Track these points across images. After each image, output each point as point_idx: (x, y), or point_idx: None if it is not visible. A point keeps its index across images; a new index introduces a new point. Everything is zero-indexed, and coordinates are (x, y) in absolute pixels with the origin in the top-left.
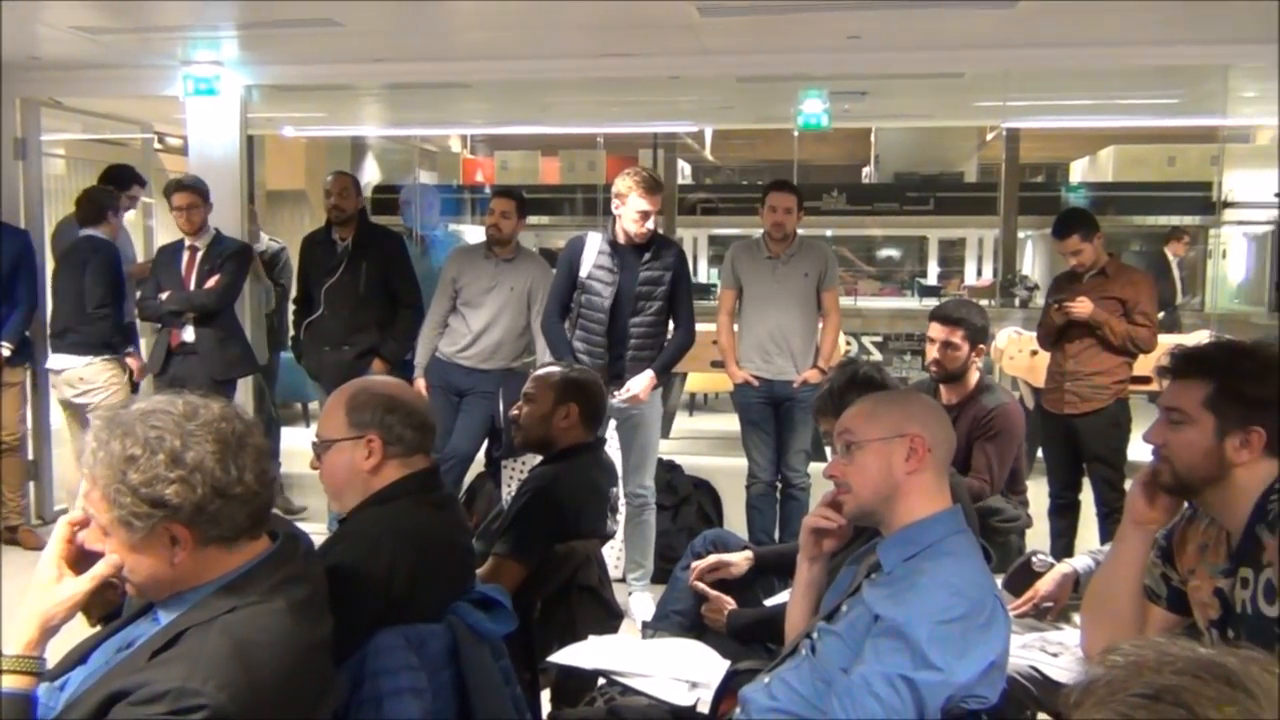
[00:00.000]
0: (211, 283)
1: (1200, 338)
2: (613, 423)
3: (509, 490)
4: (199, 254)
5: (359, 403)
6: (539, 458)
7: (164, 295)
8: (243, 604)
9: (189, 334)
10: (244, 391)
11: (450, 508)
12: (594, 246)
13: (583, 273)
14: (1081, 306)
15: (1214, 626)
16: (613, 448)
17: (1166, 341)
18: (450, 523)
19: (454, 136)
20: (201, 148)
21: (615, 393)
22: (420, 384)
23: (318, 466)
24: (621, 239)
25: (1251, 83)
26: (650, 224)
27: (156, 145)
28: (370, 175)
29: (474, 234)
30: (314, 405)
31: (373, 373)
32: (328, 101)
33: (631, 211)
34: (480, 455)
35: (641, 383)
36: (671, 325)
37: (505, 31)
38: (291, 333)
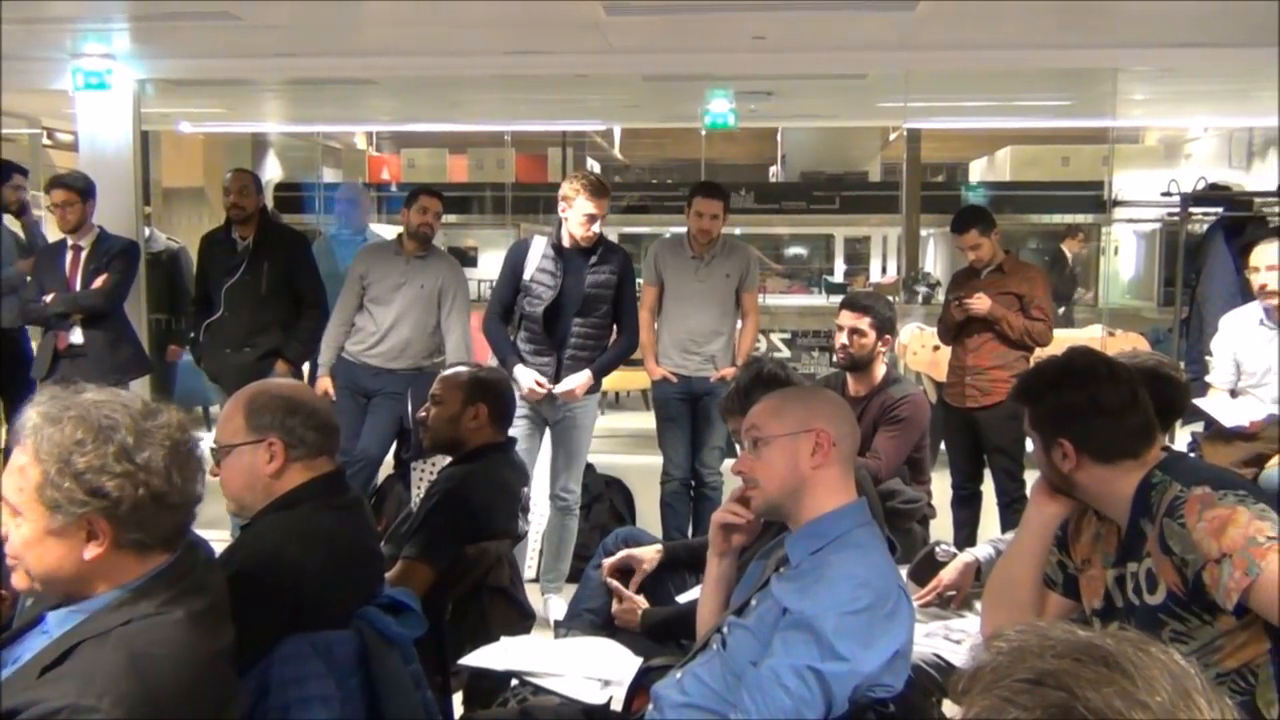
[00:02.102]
0: (99, 282)
1: (1093, 332)
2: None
3: (419, 492)
4: (83, 253)
5: (258, 405)
6: (449, 459)
7: (48, 297)
8: (139, 616)
9: (77, 336)
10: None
11: (356, 511)
12: (538, 249)
13: (526, 275)
14: (979, 303)
15: (1096, 615)
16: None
17: (1063, 336)
18: (357, 526)
19: (359, 133)
20: (92, 144)
21: (553, 390)
22: (325, 383)
23: (217, 473)
24: (567, 242)
25: (1139, 85)
26: (597, 227)
27: (45, 141)
28: (272, 172)
29: (382, 233)
30: (215, 409)
31: (276, 375)
32: (227, 96)
33: (578, 215)
34: (389, 457)
35: (577, 380)
36: (615, 330)
37: (411, 28)
38: (190, 334)
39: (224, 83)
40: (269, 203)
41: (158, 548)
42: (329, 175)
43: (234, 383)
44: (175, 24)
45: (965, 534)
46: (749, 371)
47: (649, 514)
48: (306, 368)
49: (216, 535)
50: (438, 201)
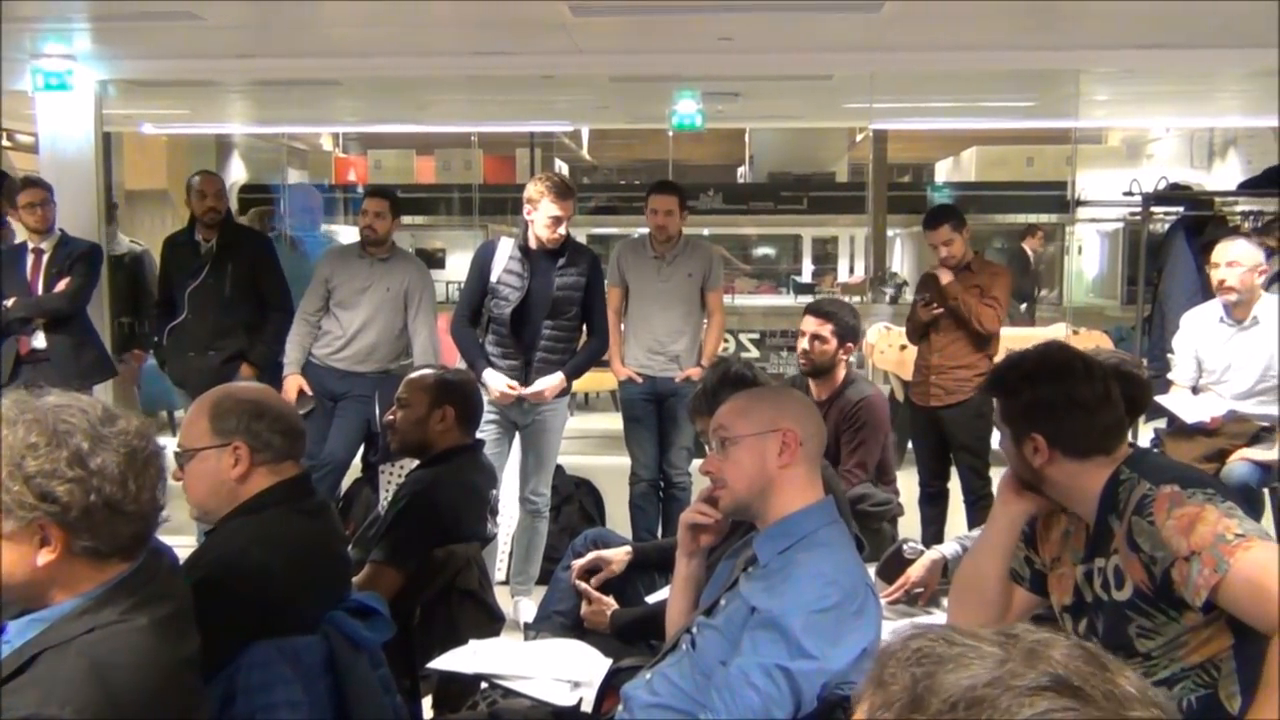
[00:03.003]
0: (62, 286)
1: (1058, 330)
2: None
3: (387, 495)
4: (45, 257)
5: (223, 409)
6: (416, 462)
7: (8, 301)
8: (101, 624)
9: (39, 340)
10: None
11: (323, 515)
12: (505, 251)
13: (493, 277)
14: (943, 274)
15: (1065, 611)
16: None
17: (1027, 334)
18: (323, 531)
19: (325, 135)
20: (53, 145)
21: (523, 392)
22: (296, 380)
23: (180, 477)
24: (534, 244)
25: (1102, 86)
26: (562, 229)
27: (5, 143)
28: (236, 174)
29: (348, 235)
30: (180, 413)
31: (240, 378)
32: (190, 97)
33: (544, 217)
34: (357, 460)
35: (549, 382)
36: (585, 332)
37: (375, 28)
38: (154, 338)
39: (187, 84)
40: (233, 205)
41: (115, 556)
42: (294, 177)
43: (198, 387)
44: (137, 24)
45: (932, 531)
46: (716, 372)
47: (618, 515)
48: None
49: (182, 542)
50: (378, 201)
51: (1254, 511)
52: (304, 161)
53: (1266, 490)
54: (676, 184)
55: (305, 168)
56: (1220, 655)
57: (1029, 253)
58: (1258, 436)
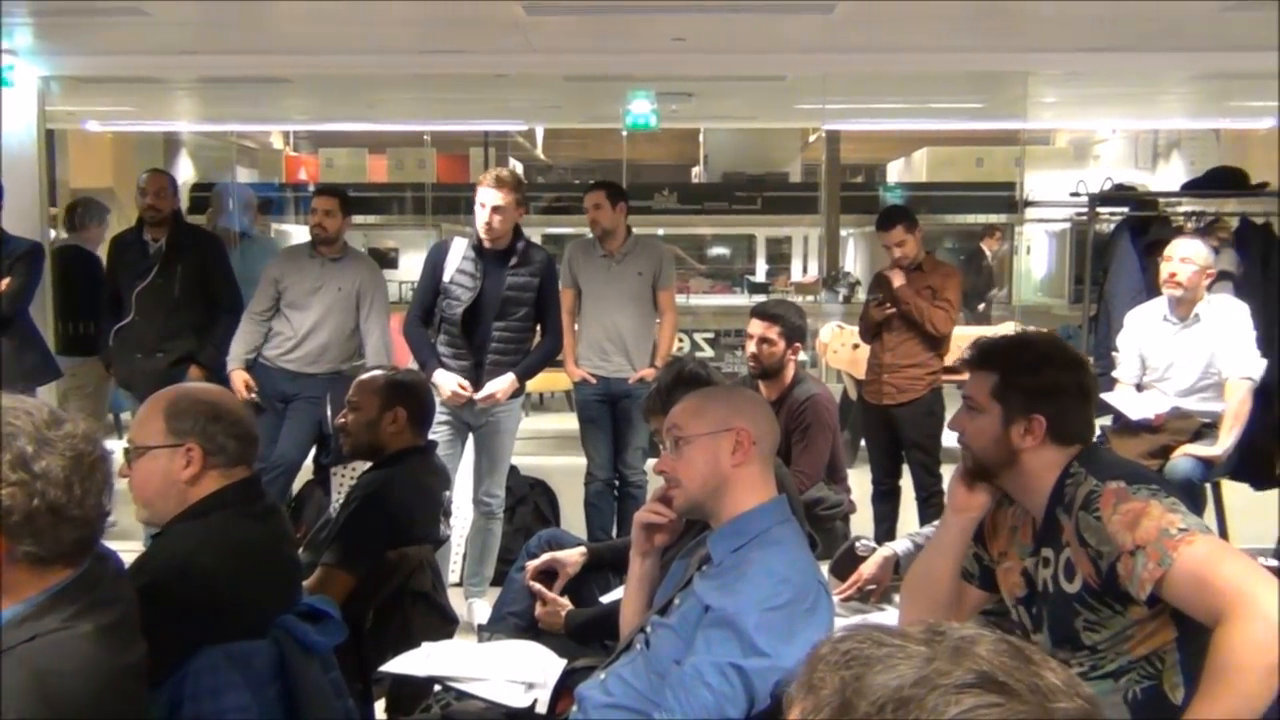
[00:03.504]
0: (2, 286)
1: (1007, 328)
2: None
3: (339, 497)
4: None
5: (180, 409)
6: (369, 463)
7: None
8: (44, 631)
9: None
10: (47, 402)
11: (273, 519)
12: (458, 251)
13: (445, 277)
14: (895, 277)
15: (1020, 604)
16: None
17: (977, 332)
18: (273, 534)
19: (275, 133)
20: None
21: (474, 395)
22: (242, 376)
23: (127, 474)
24: (488, 244)
25: (1049, 89)
26: (499, 220)
27: None
28: (185, 172)
29: (300, 234)
30: (126, 416)
31: (190, 380)
32: (136, 94)
33: (477, 204)
34: (308, 462)
35: (501, 384)
36: (539, 333)
37: (326, 25)
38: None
39: (133, 80)
40: (184, 204)
41: (58, 562)
42: (244, 175)
43: (146, 389)
44: (80, 20)
45: (885, 528)
46: (670, 371)
47: (574, 515)
48: None
49: (128, 547)
50: (328, 199)
51: (1196, 506)
52: (254, 160)
53: (1208, 485)
54: (605, 180)
55: (255, 166)
56: (1164, 647)
57: (986, 253)
58: (1199, 433)
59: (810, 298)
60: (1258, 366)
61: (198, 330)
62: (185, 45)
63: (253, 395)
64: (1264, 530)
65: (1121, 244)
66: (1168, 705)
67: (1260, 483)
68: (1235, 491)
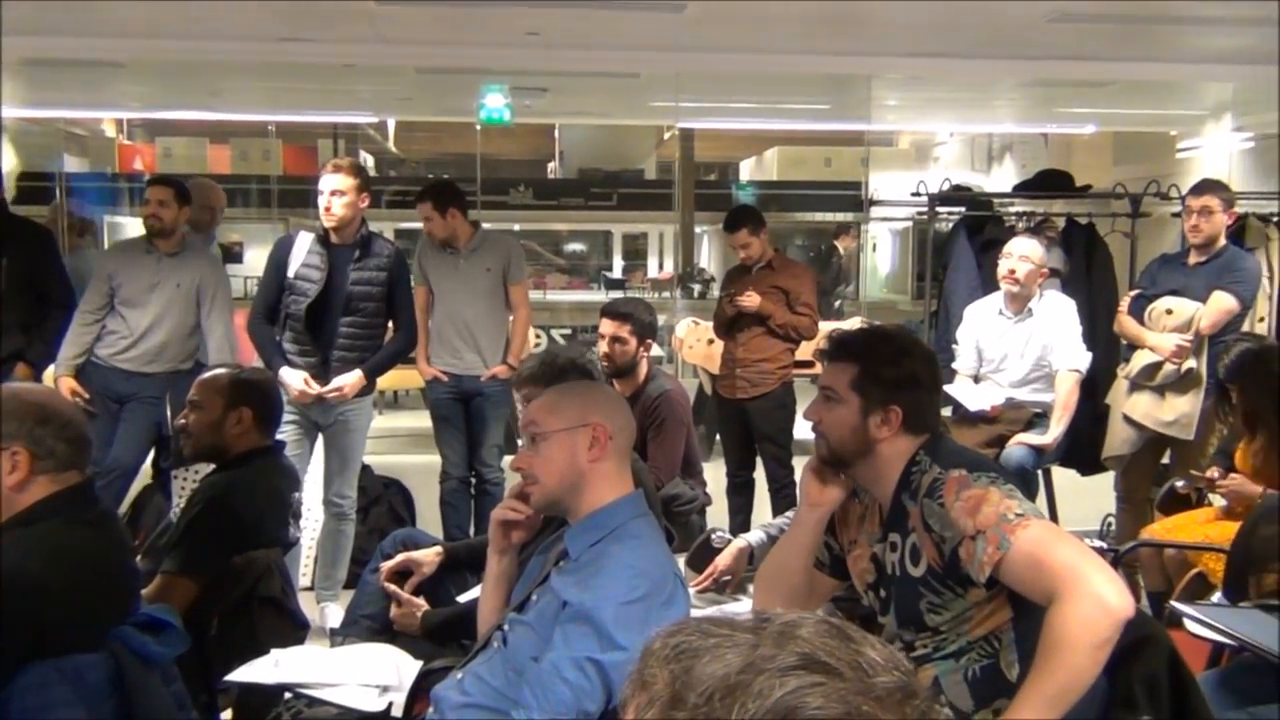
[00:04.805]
0: None
1: (855, 323)
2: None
3: (180, 502)
4: None
5: (4, 411)
6: (212, 466)
7: None
8: None
9: None
10: None
11: (107, 525)
12: (303, 245)
13: (290, 272)
14: (749, 300)
15: (870, 589)
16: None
17: (828, 327)
18: (107, 542)
19: (107, 120)
20: None
21: (321, 390)
22: (69, 383)
23: None
24: (334, 238)
25: (891, 92)
26: (339, 203)
27: None
28: (6, 161)
29: (135, 227)
30: None
31: (15, 379)
32: None
33: (318, 193)
34: (147, 466)
35: (348, 379)
36: (391, 329)
37: (163, 7)
38: None
39: None
40: (8, 193)
41: None
42: (73, 164)
43: None
44: None
45: (740, 520)
46: (567, 354)
47: (430, 514)
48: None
49: None
50: (162, 190)
51: (1029, 492)
52: (83, 148)
53: (1040, 471)
54: (431, 186)
55: (85, 154)
56: (1001, 628)
57: (841, 250)
58: (1031, 422)
59: (666, 294)
60: (1084, 360)
61: (25, 327)
62: (6, 25)
63: (81, 400)
64: (1089, 513)
65: (959, 242)
66: (1004, 682)
67: (1086, 468)
68: (1063, 476)
